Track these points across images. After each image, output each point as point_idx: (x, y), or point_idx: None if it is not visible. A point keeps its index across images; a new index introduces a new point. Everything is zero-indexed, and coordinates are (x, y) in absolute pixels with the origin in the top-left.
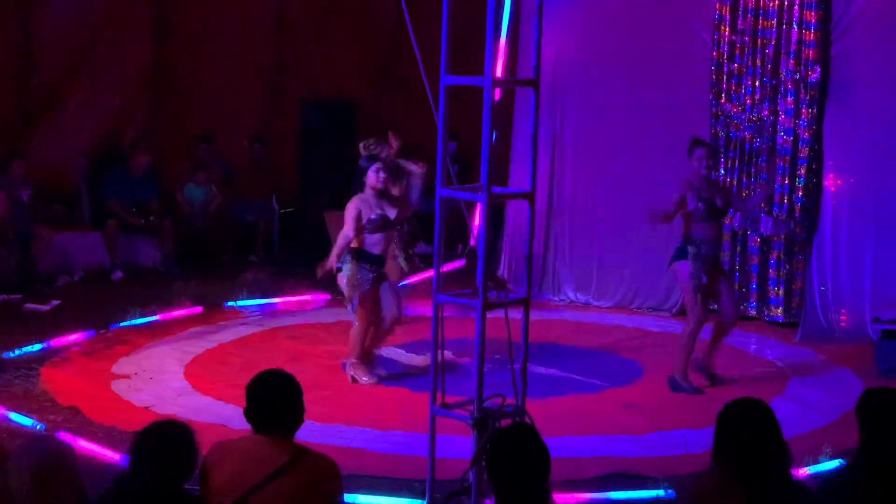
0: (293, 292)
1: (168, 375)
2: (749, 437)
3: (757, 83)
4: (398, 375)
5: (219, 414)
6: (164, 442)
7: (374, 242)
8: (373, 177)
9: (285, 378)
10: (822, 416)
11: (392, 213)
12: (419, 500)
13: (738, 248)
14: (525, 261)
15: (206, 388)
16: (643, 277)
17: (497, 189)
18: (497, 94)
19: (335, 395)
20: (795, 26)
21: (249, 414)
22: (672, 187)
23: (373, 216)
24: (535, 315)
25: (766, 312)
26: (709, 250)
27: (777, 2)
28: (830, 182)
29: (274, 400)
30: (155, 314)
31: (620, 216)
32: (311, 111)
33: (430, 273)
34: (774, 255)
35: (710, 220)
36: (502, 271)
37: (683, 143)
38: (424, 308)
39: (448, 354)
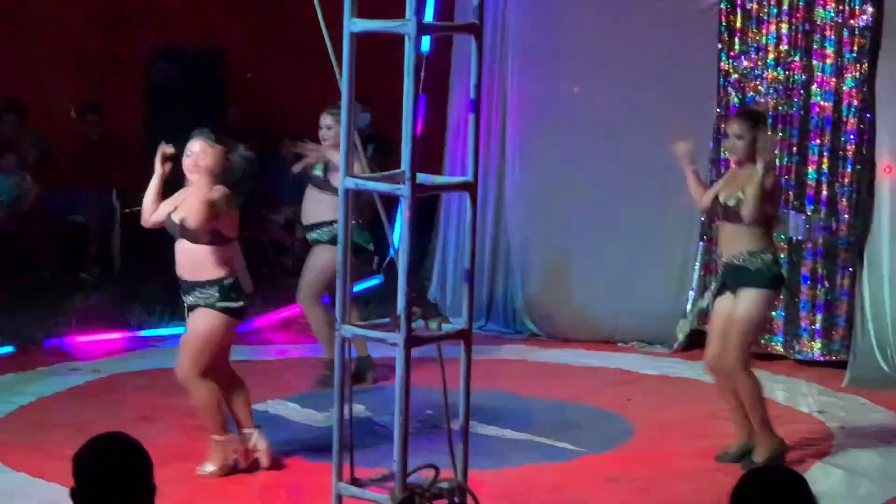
0: (143, 323)
1: None
2: None
3: (783, 28)
4: (288, 439)
5: (37, 497)
6: None
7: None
8: None
9: (127, 445)
10: (880, 489)
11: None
12: None
13: None
14: (466, 278)
15: (19, 461)
16: (631, 299)
17: (426, 178)
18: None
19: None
20: None
21: (77, 497)
22: (667, 172)
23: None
24: (480, 354)
25: (796, 348)
26: (720, 269)
27: None
28: (887, 165)
29: (109, 476)
30: None
31: (599, 213)
32: (164, 67)
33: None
34: (808, 269)
35: (715, 220)
36: (434, 292)
37: (682, 112)
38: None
39: (359, 410)
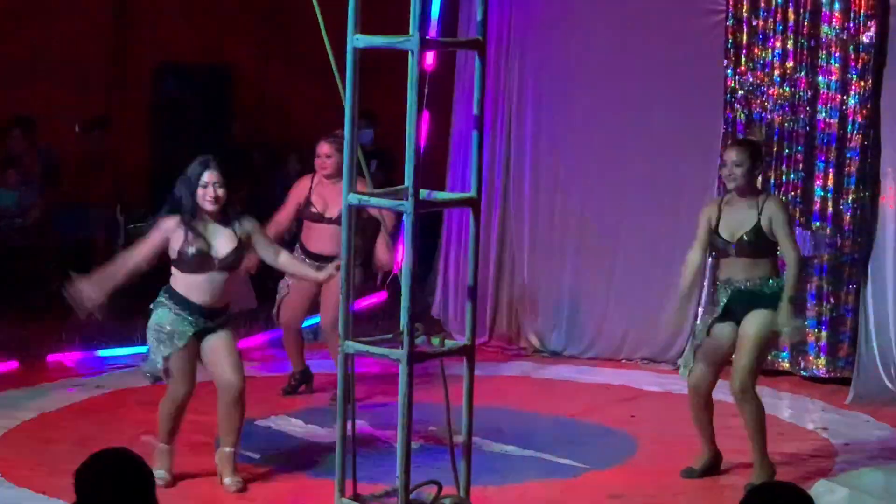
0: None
1: None
2: None
3: (789, 45)
4: (291, 455)
5: None
6: None
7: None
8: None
9: (129, 461)
10: None
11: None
12: None
13: None
14: (469, 294)
15: (21, 477)
16: (635, 315)
17: (429, 194)
18: (430, 61)
19: (204, 484)
20: None
21: None
22: (675, 188)
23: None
24: (483, 370)
25: (802, 364)
26: (722, 294)
27: None
28: (892, 181)
29: (111, 492)
30: None
31: (605, 228)
32: (170, 82)
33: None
34: (814, 285)
35: (720, 256)
36: (437, 309)
37: (689, 128)
38: (329, 361)
39: (362, 426)
